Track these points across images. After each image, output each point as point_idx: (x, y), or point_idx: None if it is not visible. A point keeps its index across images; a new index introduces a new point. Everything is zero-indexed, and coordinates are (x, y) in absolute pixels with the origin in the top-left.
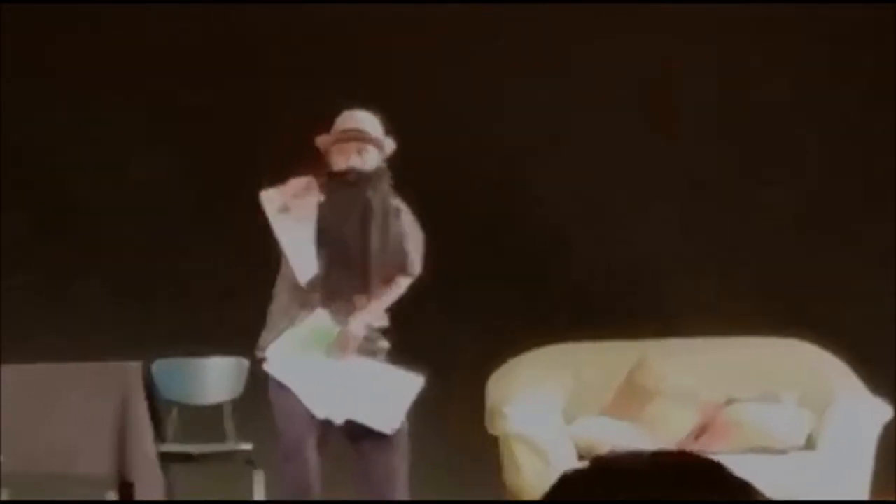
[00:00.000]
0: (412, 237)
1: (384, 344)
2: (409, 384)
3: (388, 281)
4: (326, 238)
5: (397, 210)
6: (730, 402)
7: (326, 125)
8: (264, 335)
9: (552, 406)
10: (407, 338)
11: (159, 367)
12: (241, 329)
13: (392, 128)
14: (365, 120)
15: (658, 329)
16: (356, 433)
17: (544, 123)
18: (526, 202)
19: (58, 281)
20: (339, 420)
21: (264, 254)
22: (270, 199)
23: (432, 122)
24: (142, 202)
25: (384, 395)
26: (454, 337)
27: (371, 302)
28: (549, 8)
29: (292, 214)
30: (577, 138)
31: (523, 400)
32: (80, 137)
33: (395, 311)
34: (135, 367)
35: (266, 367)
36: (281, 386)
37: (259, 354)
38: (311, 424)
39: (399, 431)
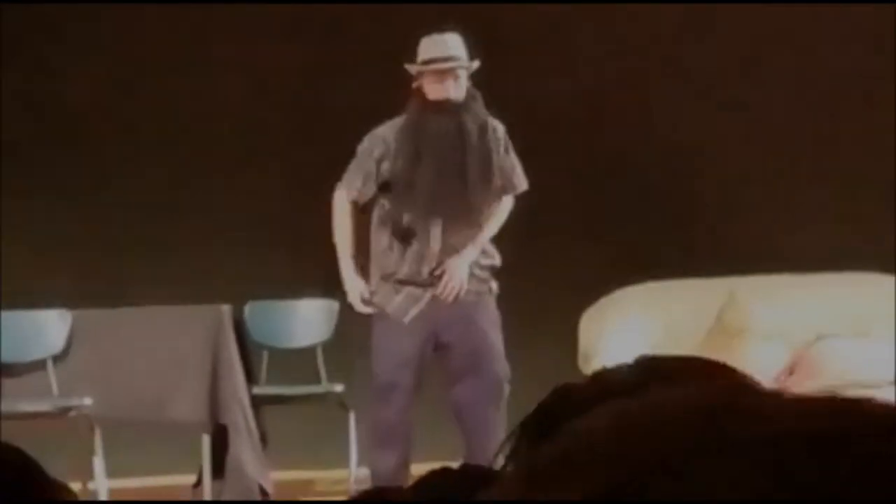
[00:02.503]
0: (512, 153)
1: (494, 285)
2: None
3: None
4: (427, 167)
5: (494, 128)
6: (819, 338)
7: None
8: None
9: (643, 346)
10: (498, 276)
11: (251, 309)
12: (330, 271)
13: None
14: (455, 46)
15: (747, 266)
16: (455, 375)
17: (645, 57)
18: (618, 140)
19: (148, 223)
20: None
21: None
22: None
23: (533, 56)
24: (238, 149)
25: None
26: (545, 276)
27: (477, 233)
28: None
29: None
30: (671, 74)
31: (614, 340)
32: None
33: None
34: (226, 309)
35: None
36: (382, 323)
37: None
38: (408, 367)
39: (497, 376)
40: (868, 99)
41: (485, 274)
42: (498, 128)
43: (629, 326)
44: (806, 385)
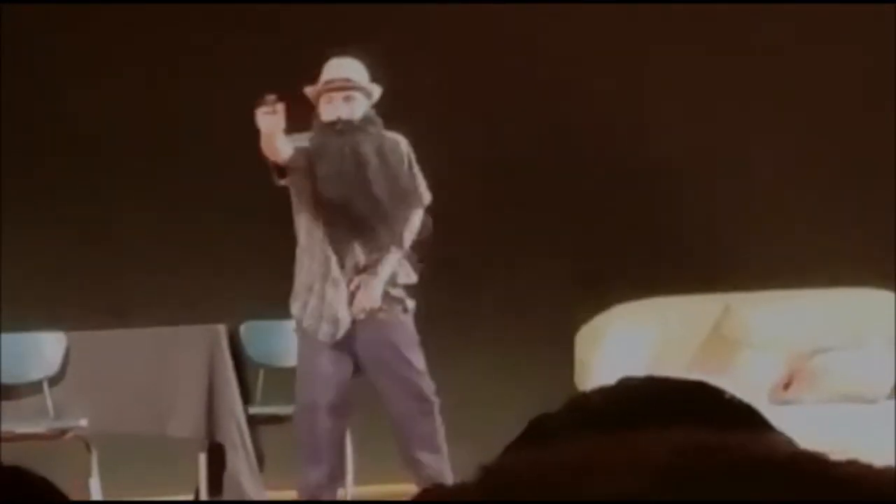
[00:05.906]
0: (415, 167)
1: (409, 303)
2: None
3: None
4: (326, 192)
5: (394, 144)
6: (817, 351)
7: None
8: (291, 303)
9: (639, 362)
10: (494, 290)
11: (247, 329)
12: None
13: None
14: (351, 68)
15: (744, 281)
16: (382, 394)
17: (644, 73)
18: (614, 155)
19: (144, 244)
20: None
21: None
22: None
23: (529, 63)
24: (233, 168)
25: None
26: (541, 292)
27: (386, 254)
28: None
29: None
30: (667, 88)
31: (611, 355)
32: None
33: (481, 262)
34: (221, 329)
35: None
36: (302, 344)
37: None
38: (327, 387)
39: (419, 391)
40: (865, 113)
41: (400, 293)
42: (400, 142)
43: (625, 342)
44: (803, 398)
